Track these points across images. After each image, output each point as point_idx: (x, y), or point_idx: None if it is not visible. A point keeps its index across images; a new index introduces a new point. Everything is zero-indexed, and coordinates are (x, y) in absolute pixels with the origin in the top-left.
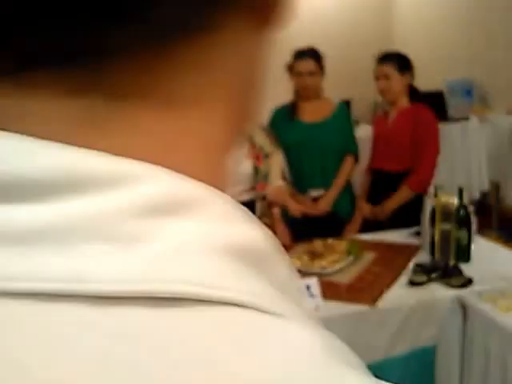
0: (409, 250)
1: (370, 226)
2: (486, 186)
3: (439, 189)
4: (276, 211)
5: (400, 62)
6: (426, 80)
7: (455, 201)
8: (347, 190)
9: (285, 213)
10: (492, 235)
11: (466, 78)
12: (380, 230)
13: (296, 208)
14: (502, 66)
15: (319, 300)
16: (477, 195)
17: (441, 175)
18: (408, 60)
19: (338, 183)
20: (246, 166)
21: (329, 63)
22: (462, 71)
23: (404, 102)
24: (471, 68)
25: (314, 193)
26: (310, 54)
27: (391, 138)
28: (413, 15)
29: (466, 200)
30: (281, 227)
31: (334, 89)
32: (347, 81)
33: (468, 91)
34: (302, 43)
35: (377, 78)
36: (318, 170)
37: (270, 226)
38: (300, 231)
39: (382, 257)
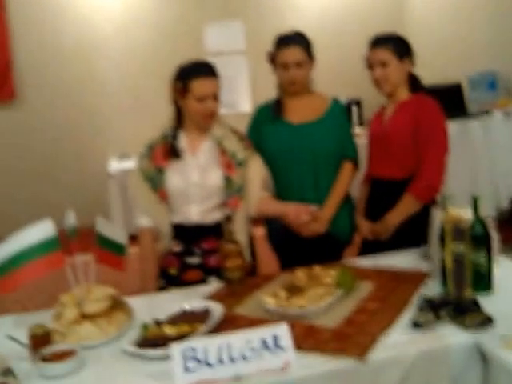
0: (415, 279)
1: (370, 247)
2: None
3: (448, 199)
4: (261, 232)
5: (398, 45)
6: (442, 73)
7: (469, 214)
8: (346, 204)
9: (272, 233)
10: None
11: (489, 69)
12: (382, 251)
13: (296, 212)
14: None
15: (291, 354)
16: (504, 203)
17: (459, 182)
18: (407, 43)
19: (335, 196)
20: (215, 176)
21: (335, 57)
22: (484, 62)
23: (403, 93)
24: (495, 58)
25: None
26: (297, 40)
27: (389, 138)
28: (427, 1)
29: (483, 212)
30: (267, 252)
31: (341, 87)
32: (357, 77)
33: (491, 83)
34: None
35: (370, 66)
36: (309, 181)
37: (252, 253)
38: (289, 257)
39: (380, 289)
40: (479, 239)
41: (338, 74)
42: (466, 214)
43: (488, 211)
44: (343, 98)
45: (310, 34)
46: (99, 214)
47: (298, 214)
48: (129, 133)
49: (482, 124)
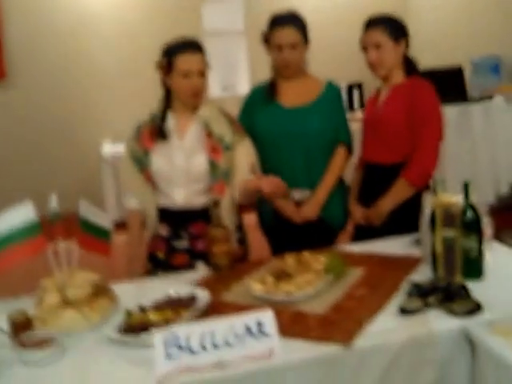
0: (406, 265)
1: (363, 232)
2: None
3: (439, 184)
4: (251, 218)
5: (393, 27)
6: (446, 56)
7: (460, 199)
8: (339, 190)
9: (263, 219)
10: None
11: (493, 53)
12: (375, 237)
13: (270, 184)
14: None
15: (275, 341)
16: (504, 189)
17: (459, 166)
18: (402, 24)
19: (328, 182)
20: (200, 161)
21: (337, 41)
22: (488, 47)
23: (399, 76)
24: (499, 43)
25: (298, 195)
26: (292, 21)
27: (382, 122)
28: None
29: (477, 198)
30: (259, 239)
31: (342, 70)
32: (359, 60)
33: (495, 68)
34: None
35: (364, 48)
36: (301, 165)
37: (240, 239)
38: (281, 243)
39: (370, 275)
40: (470, 225)
41: (340, 56)
42: (457, 199)
43: (487, 197)
44: (344, 82)
45: (311, 15)
46: (92, 199)
47: (271, 186)
48: (122, 116)
49: (483, 108)
